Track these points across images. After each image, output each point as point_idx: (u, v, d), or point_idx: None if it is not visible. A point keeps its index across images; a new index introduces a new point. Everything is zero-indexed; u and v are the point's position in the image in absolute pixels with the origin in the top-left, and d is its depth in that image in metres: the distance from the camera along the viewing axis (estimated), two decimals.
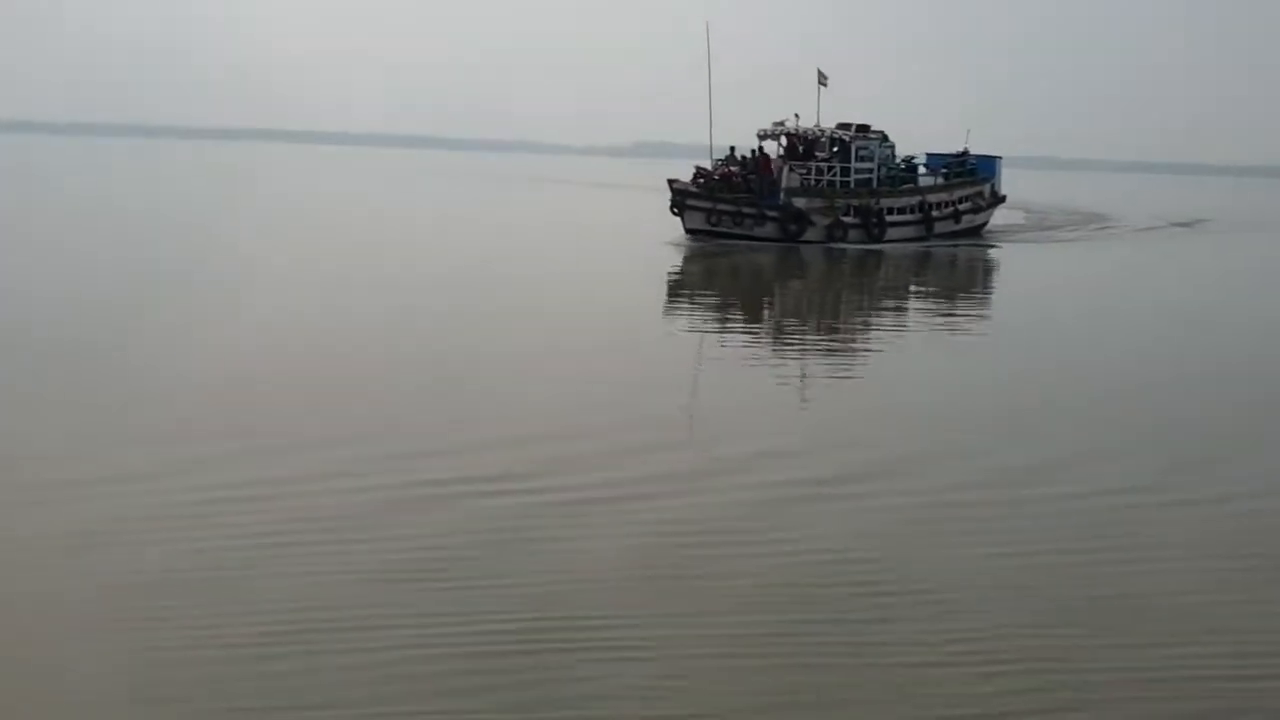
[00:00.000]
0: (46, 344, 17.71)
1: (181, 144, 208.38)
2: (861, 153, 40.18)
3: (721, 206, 38.52)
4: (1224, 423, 15.03)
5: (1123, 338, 22.22)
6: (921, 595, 8.81)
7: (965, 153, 44.42)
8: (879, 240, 39.60)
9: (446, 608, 8.30)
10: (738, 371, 17.88)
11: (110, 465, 11.39)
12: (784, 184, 39.10)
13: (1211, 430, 14.60)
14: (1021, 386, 17.30)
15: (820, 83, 40.98)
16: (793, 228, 38.67)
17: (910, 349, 21.01)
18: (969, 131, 45.52)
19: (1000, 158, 46.23)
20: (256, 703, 6.95)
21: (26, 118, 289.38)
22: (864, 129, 40.81)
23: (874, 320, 25.03)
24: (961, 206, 43.26)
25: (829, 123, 40.81)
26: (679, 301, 26.93)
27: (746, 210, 38.63)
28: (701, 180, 39.32)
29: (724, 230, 38.37)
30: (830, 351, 20.64)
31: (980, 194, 44.36)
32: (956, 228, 42.80)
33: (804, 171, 39.52)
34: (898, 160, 41.76)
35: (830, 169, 39.67)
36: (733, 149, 40.28)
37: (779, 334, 22.73)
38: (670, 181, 39.40)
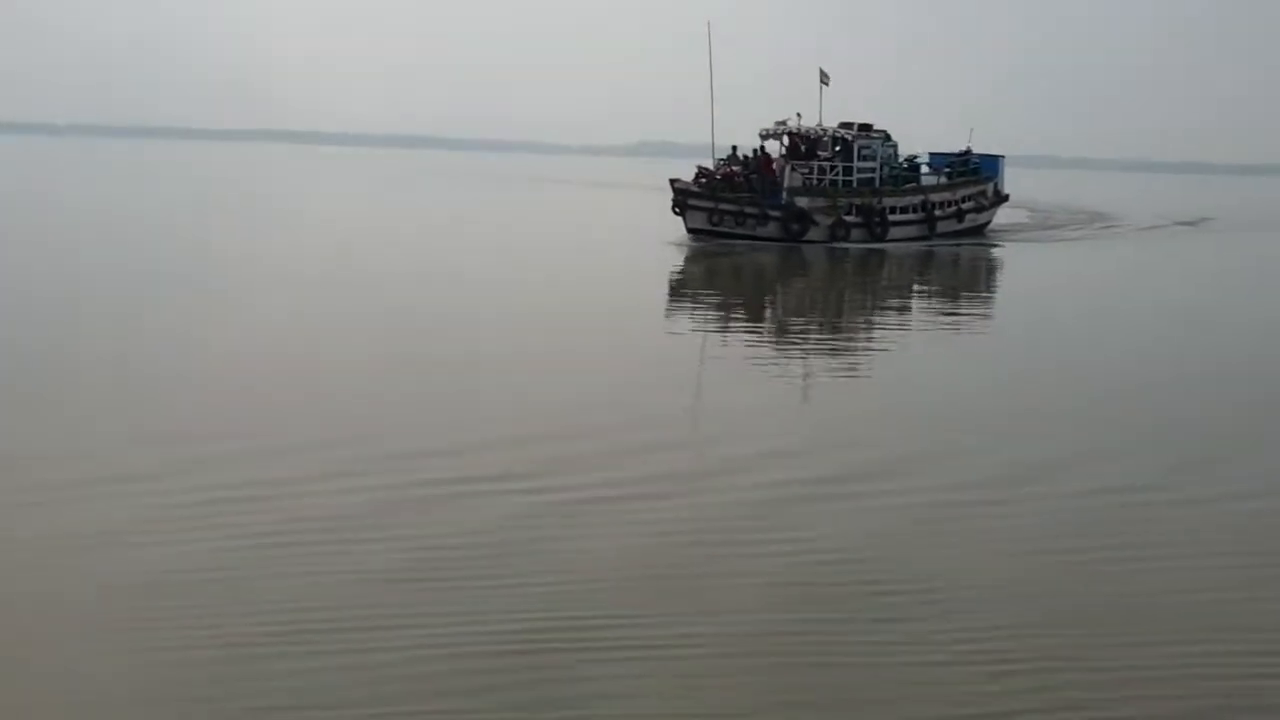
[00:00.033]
0: (46, 344, 17.71)
1: (181, 145, 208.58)
2: (864, 152, 40.15)
3: (723, 206, 38.50)
4: (1225, 422, 15.01)
5: (1125, 337, 22.19)
6: (926, 595, 8.79)
7: (968, 152, 44.37)
8: (881, 240, 39.57)
9: (446, 608, 8.29)
10: (739, 371, 17.86)
11: (110, 466, 11.37)
12: (786, 183, 39.08)
13: (1213, 430, 14.58)
14: (1024, 386, 17.28)
15: (822, 82, 40.96)
16: (795, 227, 38.64)
17: (912, 348, 20.98)
18: (972, 130, 45.54)
19: (1003, 157, 46.14)
20: (256, 703, 6.93)
21: (26, 119, 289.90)
22: (866, 128, 40.77)
23: (876, 320, 25.00)
24: (964, 206, 43.18)
25: (831, 122, 40.80)
26: (681, 301, 26.91)
27: (749, 210, 38.60)
28: (703, 180, 39.30)
29: (726, 230, 38.35)
30: (832, 351, 20.62)
31: (983, 193, 44.27)
32: (959, 227, 42.73)
33: (806, 171, 39.49)
34: (900, 159, 41.72)
35: (833, 168, 39.63)
36: (735, 148, 40.26)
37: (781, 334, 22.71)
38: (672, 181, 39.39)
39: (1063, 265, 40.16)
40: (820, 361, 19.53)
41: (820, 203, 39.10)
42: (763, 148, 40.04)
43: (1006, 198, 46.57)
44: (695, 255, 35.96)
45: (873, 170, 40.30)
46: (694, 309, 25.28)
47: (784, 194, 38.88)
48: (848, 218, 39.23)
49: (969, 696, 7.26)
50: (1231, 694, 7.43)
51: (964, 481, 11.75)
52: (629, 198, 71.20)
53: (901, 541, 10.01)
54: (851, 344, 21.67)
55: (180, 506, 10.15)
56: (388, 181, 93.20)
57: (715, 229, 38.37)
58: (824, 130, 40.36)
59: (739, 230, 38.37)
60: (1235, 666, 7.81)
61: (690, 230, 38.76)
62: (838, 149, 40.07)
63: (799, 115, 40.23)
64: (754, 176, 39.22)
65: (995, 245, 42.51)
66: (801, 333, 22.81)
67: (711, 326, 22.94)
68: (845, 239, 38.94)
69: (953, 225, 42.44)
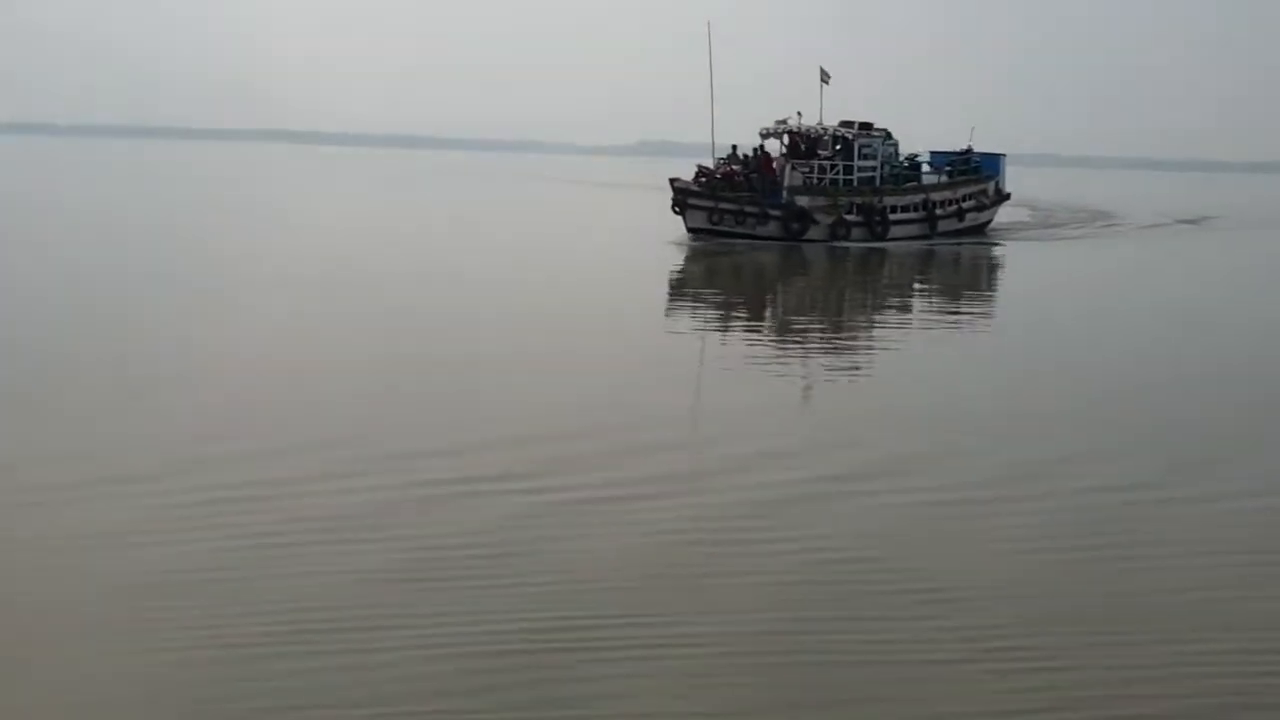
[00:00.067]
0: (46, 345, 17.71)
1: (181, 145, 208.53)
2: (864, 151, 40.12)
3: (724, 205, 38.47)
4: (1225, 423, 15.00)
5: (1125, 337, 22.17)
6: (926, 595, 8.78)
7: (969, 150, 44.33)
8: (882, 239, 39.55)
9: (446, 608, 8.28)
10: (740, 371, 17.85)
11: (110, 466, 11.36)
12: (786, 182, 39.06)
13: (1213, 430, 14.56)
14: (1024, 386, 17.28)
15: (823, 80, 40.93)
16: (795, 226, 38.61)
17: (913, 348, 20.96)
18: (973, 129, 45.50)
19: (1004, 155, 46.10)
20: (256, 703, 6.93)
21: (26, 119, 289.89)
22: (867, 127, 40.73)
23: (876, 319, 24.99)
24: (965, 204, 43.11)
25: (832, 121, 40.76)
26: (681, 300, 26.90)
27: (749, 209, 38.58)
28: (703, 179, 39.27)
29: (726, 229, 38.32)
30: (832, 351, 20.62)
31: (984, 192, 44.21)
32: (960, 226, 42.68)
33: (807, 170, 39.46)
34: (901, 158, 41.69)
35: (833, 167, 39.60)
36: (735, 148, 40.21)
37: (781, 333, 22.69)
38: (672, 180, 39.37)
39: (1064, 264, 40.13)
40: (820, 361, 19.52)
41: (821, 202, 39.07)
42: (763, 147, 40.00)
43: (1008, 196, 46.53)
44: (695, 254, 35.94)
45: (873, 169, 40.27)
46: (694, 308, 25.26)
47: (784, 193, 38.86)
48: (848, 217, 39.20)
49: (969, 696, 7.26)
50: (1232, 693, 7.43)
51: (964, 481, 11.74)
52: (629, 197, 71.18)
53: (901, 541, 10.00)
54: (852, 344, 21.66)
55: (180, 506, 10.15)
56: (388, 181, 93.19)
57: (715, 228, 38.35)
58: (824, 129, 40.33)
59: (739, 229, 38.34)
60: (1235, 665, 7.80)
61: (690, 229, 38.73)
62: (838, 148, 40.04)
63: (799, 114, 40.25)
64: (754, 175, 39.18)
65: (996, 244, 42.48)
66: (802, 332, 22.79)
67: (712, 326, 22.93)
68: (846, 238, 38.91)
69: (954, 224, 42.40)
